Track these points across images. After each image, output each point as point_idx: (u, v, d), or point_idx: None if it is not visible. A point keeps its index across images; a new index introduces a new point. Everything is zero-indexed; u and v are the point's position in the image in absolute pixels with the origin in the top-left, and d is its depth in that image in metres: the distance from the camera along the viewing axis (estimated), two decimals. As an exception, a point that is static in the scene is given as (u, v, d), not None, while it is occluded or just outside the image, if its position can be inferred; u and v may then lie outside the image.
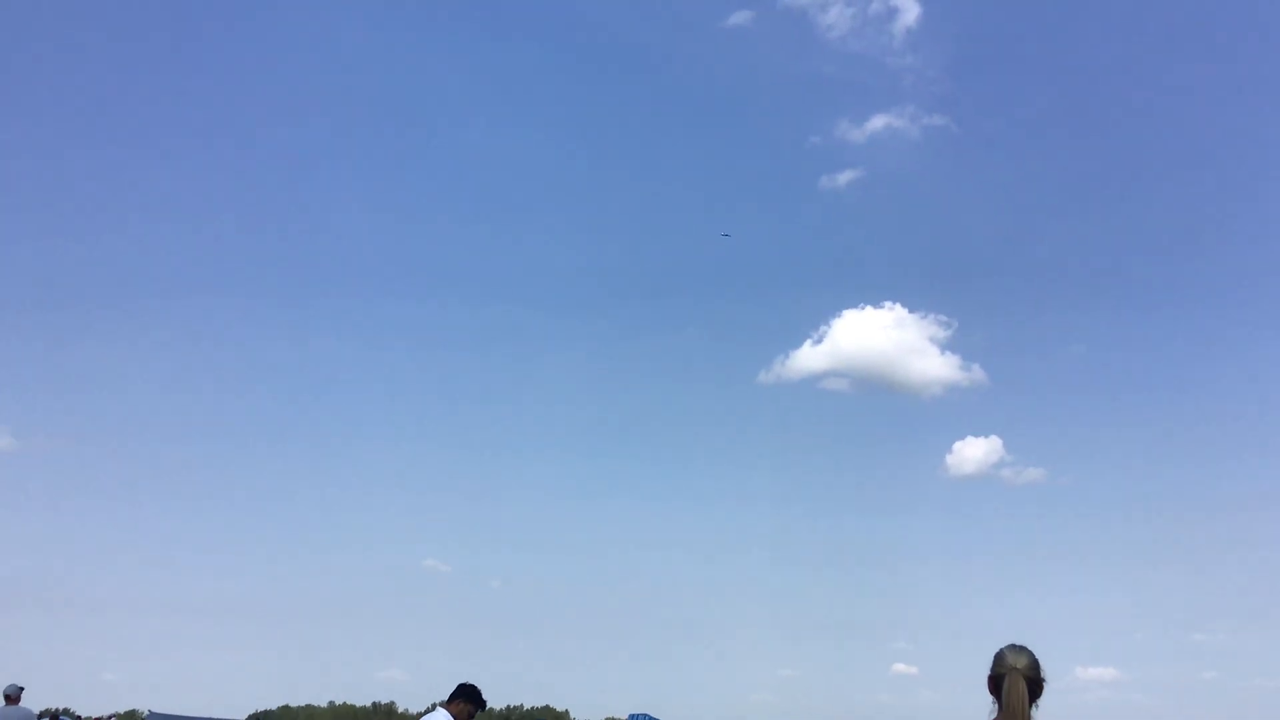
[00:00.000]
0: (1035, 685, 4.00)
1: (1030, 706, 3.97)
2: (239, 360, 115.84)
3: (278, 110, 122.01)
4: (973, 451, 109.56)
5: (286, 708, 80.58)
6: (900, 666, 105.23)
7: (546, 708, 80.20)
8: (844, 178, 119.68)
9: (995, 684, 4.04)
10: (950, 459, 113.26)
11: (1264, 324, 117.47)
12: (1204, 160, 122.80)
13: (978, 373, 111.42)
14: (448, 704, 8.29)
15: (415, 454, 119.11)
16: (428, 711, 8.47)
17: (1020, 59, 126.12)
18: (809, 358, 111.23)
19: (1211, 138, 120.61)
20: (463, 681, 8.44)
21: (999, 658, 4.07)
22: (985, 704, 4.09)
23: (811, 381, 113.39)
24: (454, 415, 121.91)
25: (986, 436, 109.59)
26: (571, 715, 67.60)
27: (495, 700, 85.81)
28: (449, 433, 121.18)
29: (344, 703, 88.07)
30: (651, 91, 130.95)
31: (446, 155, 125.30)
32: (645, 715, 40.04)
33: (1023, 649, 4.09)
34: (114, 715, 54.12)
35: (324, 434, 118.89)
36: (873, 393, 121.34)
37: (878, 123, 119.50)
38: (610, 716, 47.35)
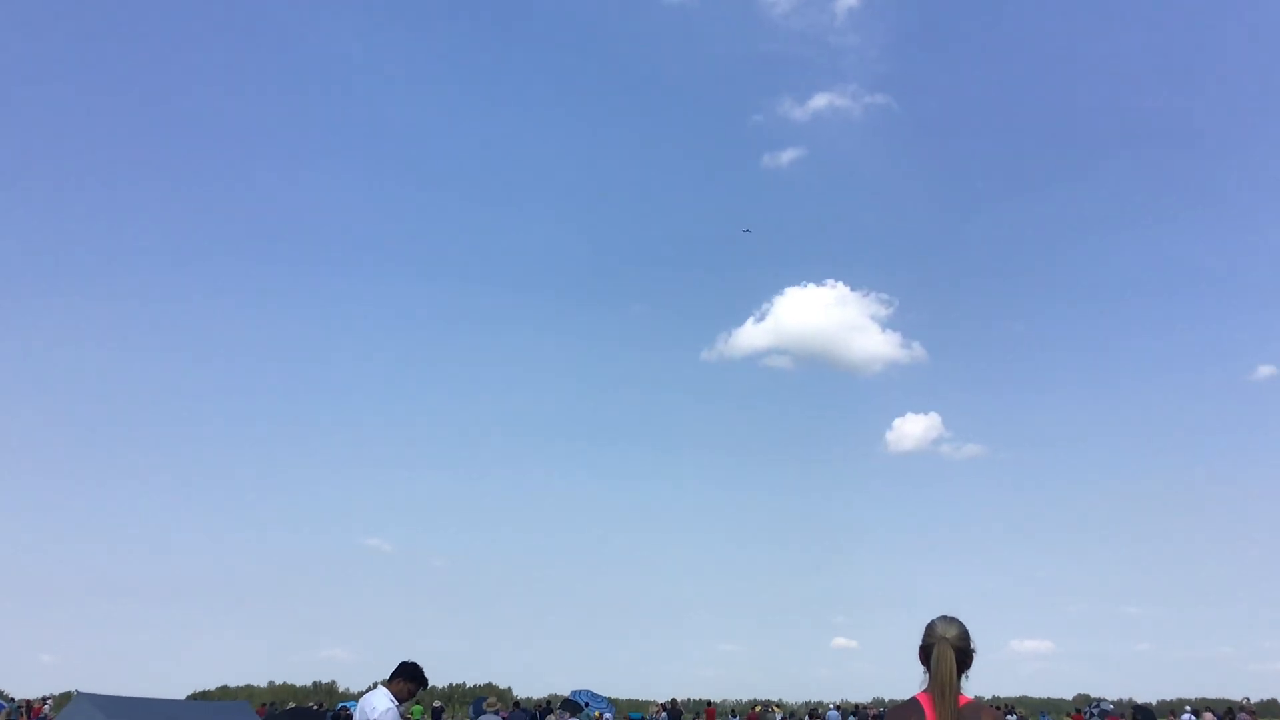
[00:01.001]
0: (964, 655, 4.09)
1: (959, 676, 4.06)
2: (173, 334, 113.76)
3: (235, 81, 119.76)
4: (912, 428, 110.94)
5: (225, 688, 79.76)
6: (840, 640, 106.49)
7: (489, 685, 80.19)
8: (786, 156, 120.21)
9: (925, 654, 4.13)
10: (890, 435, 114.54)
11: (1199, 303, 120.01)
12: (1143, 142, 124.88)
13: (918, 350, 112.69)
14: (389, 682, 8.33)
15: (357, 430, 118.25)
16: (369, 690, 8.48)
17: (962, 39, 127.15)
18: (752, 335, 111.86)
19: (1151, 119, 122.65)
20: (404, 660, 8.46)
21: (930, 628, 4.16)
22: (921, 675, 4.18)
23: (754, 359, 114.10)
24: (396, 392, 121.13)
25: (926, 413, 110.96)
26: (514, 693, 67.60)
27: (437, 678, 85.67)
28: (391, 409, 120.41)
29: (284, 682, 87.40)
30: (595, 69, 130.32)
31: (391, 131, 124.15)
32: (587, 691, 40.22)
33: (953, 620, 4.18)
34: (49, 697, 53.35)
35: (262, 410, 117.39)
36: (814, 370, 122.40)
37: (820, 101, 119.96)
38: (553, 693, 47.44)
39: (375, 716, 8.08)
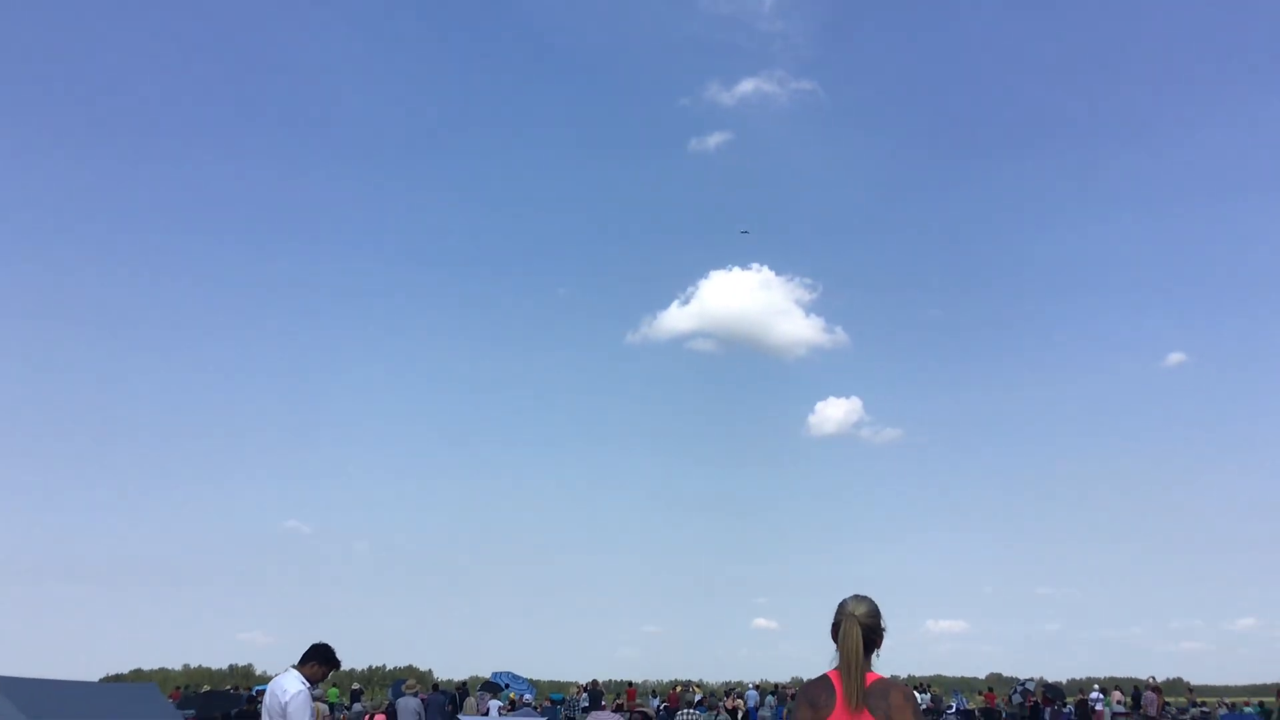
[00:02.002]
0: (873, 632, 4.12)
1: (868, 654, 4.09)
2: (84, 311, 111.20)
3: (149, 54, 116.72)
4: (834, 411, 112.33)
5: (139, 671, 78.33)
6: (761, 621, 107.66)
7: (409, 668, 79.72)
8: (713, 140, 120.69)
9: (836, 631, 4.15)
10: (813, 419, 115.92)
11: (1113, 292, 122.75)
12: (1063, 133, 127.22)
13: (840, 335, 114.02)
14: (300, 665, 8.20)
15: (276, 411, 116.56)
16: (281, 674, 8.35)
17: (888, 28, 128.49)
18: (676, 318, 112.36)
19: (1071, 111, 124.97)
20: (318, 642, 8.34)
21: (840, 606, 4.19)
22: (832, 653, 4.20)
23: (678, 342, 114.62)
24: (316, 371, 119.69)
25: (847, 397, 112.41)
26: (434, 675, 67.26)
27: (358, 661, 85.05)
28: (312, 389, 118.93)
29: (200, 665, 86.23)
30: (523, 49, 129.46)
31: (311, 105, 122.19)
32: (508, 673, 40.13)
33: (864, 598, 4.22)
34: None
35: (177, 389, 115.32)
36: (738, 353, 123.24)
37: (747, 86, 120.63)
38: (474, 675, 47.33)
39: (286, 699, 7.94)
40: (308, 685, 8.12)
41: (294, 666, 8.25)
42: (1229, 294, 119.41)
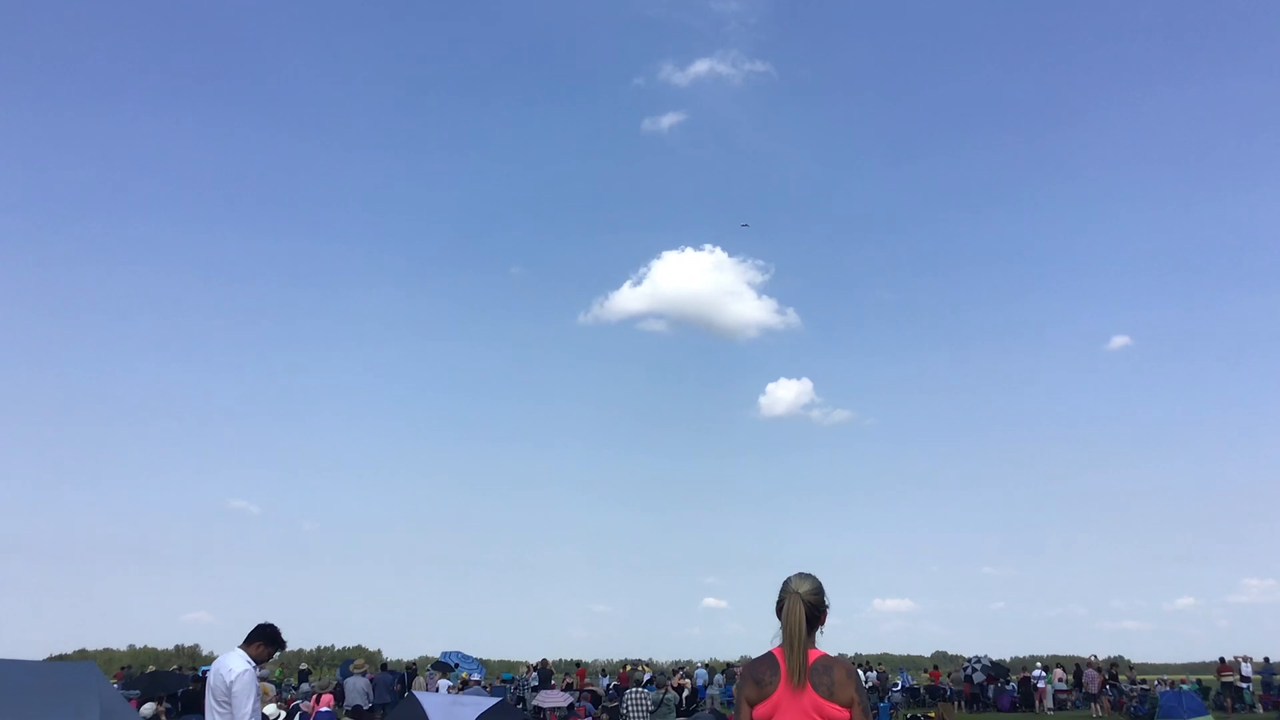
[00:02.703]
0: (816, 609, 4.14)
1: (811, 631, 4.11)
2: (27, 289, 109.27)
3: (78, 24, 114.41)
4: (785, 392, 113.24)
5: (83, 651, 77.43)
6: (710, 601, 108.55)
7: (358, 648, 79.42)
8: (667, 120, 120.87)
9: (780, 608, 4.16)
10: (764, 400, 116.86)
11: (1059, 276, 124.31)
12: (1012, 117, 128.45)
13: (792, 317, 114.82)
14: (245, 645, 8.15)
15: (223, 390, 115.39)
16: (226, 654, 8.28)
17: (841, 10, 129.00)
18: (628, 299, 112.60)
19: (1025, 95, 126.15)
20: (263, 622, 8.29)
21: (785, 584, 4.22)
22: (776, 630, 4.22)
23: (630, 322, 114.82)
24: (266, 349, 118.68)
25: (798, 379, 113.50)
26: (384, 655, 67.08)
27: (306, 641, 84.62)
28: (261, 367, 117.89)
29: (145, 645, 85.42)
30: (477, 27, 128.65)
31: (258, 75, 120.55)
32: (458, 653, 40.00)
33: (808, 576, 4.24)
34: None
35: (122, 367, 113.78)
36: (690, 334, 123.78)
37: (701, 67, 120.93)
38: (424, 655, 47.26)
39: (230, 679, 7.89)
40: (253, 665, 8.07)
41: (239, 646, 8.19)
42: (1173, 279, 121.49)
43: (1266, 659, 39.60)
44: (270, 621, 8.34)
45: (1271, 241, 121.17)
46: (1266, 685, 38.65)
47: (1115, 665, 43.34)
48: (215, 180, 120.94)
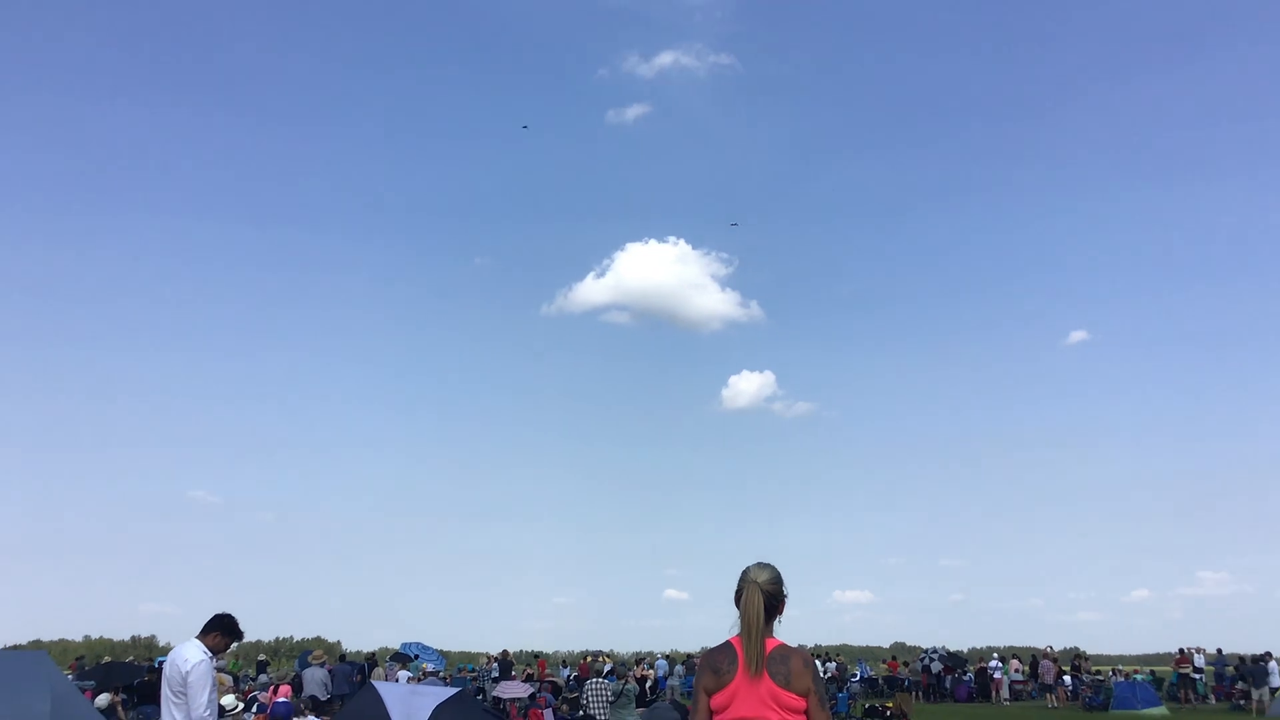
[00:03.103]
0: (774, 599, 4.16)
1: (770, 620, 4.13)
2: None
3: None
4: (747, 385, 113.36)
5: (38, 642, 76.52)
6: (672, 592, 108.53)
7: (317, 639, 79.01)
8: (631, 112, 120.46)
9: (739, 598, 4.18)
10: (726, 392, 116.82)
11: (1019, 270, 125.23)
12: (973, 111, 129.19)
13: (755, 309, 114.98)
14: (202, 635, 8.09)
15: (183, 378, 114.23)
16: (182, 644, 8.22)
17: (806, 4, 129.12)
18: (592, 290, 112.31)
19: (987, 89, 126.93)
20: (220, 612, 8.23)
21: (744, 573, 4.23)
22: (734, 619, 4.23)
23: (594, 314, 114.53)
24: (226, 336, 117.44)
25: (761, 371, 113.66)
26: (343, 646, 66.81)
27: (265, 632, 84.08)
28: (220, 355, 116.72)
29: (101, 637, 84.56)
30: (439, 16, 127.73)
31: (211, 59, 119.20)
32: (418, 644, 39.87)
33: (766, 565, 4.26)
34: None
35: (80, 355, 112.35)
36: (654, 326, 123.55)
37: (666, 59, 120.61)
38: (384, 646, 47.10)
39: (186, 669, 7.82)
40: (209, 656, 8.01)
41: (196, 637, 8.13)
42: (1133, 275, 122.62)
43: (1219, 651, 40.21)
44: (227, 612, 8.28)
45: (1229, 237, 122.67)
46: (1219, 677, 39.25)
47: (1079, 657, 43.86)
48: (170, 166, 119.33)
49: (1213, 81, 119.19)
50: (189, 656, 7.89)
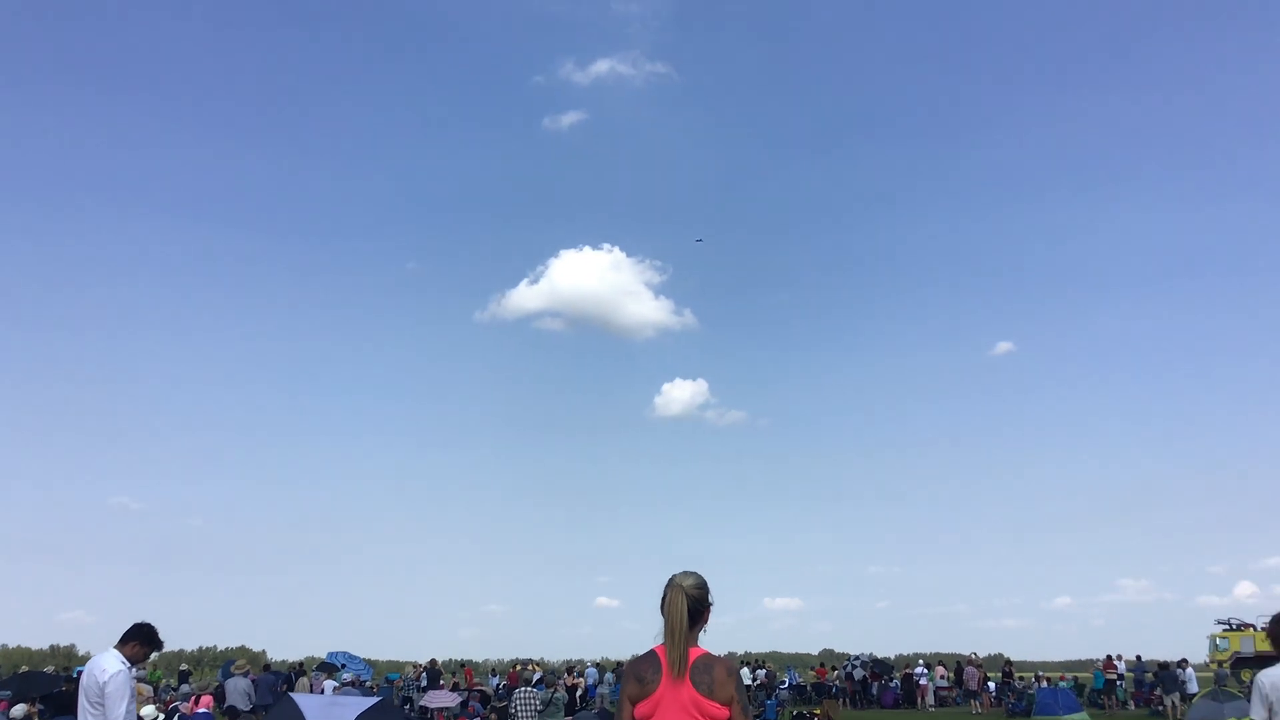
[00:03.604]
0: (699, 604, 4.16)
1: (693, 626, 4.13)
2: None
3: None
4: (680, 393, 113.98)
5: (-46, 652, 74.78)
6: (603, 600, 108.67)
7: (241, 648, 77.87)
8: (567, 119, 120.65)
9: (664, 603, 4.19)
10: (659, 400, 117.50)
11: (946, 281, 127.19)
12: (908, 126, 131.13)
13: (689, 317, 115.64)
14: (120, 645, 7.95)
15: (105, 381, 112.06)
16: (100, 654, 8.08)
17: (739, 16, 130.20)
18: (525, 297, 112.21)
19: (916, 105, 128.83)
20: (139, 621, 8.09)
21: (670, 580, 4.23)
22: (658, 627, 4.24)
23: (527, 321, 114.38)
24: (149, 340, 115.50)
25: (694, 379, 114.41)
26: (269, 655, 65.83)
27: (188, 642, 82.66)
28: (145, 359, 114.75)
29: (18, 645, 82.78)
30: (376, 18, 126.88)
31: (142, 59, 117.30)
32: (344, 653, 39.45)
33: (692, 572, 4.28)
34: None
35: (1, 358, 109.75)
36: (587, 333, 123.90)
37: (602, 66, 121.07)
38: (310, 656, 46.51)
39: (104, 680, 7.69)
40: (128, 666, 7.87)
41: (114, 646, 7.99)
42: (1056, 286, 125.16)
43: (1139, 657, 41.05)
44: (146, 621, 8.15)
45: (1150, 250, 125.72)
46: (1138, 683, 40.06)
47: (1010, 663, 44.55)
48: (97, 173, 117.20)
49: (1142, 98, 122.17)
50: (106, 667, 7.75)
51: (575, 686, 38.55)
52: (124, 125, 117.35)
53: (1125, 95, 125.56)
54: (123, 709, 7.67)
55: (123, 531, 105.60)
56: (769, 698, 38.47)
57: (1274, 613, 6.46)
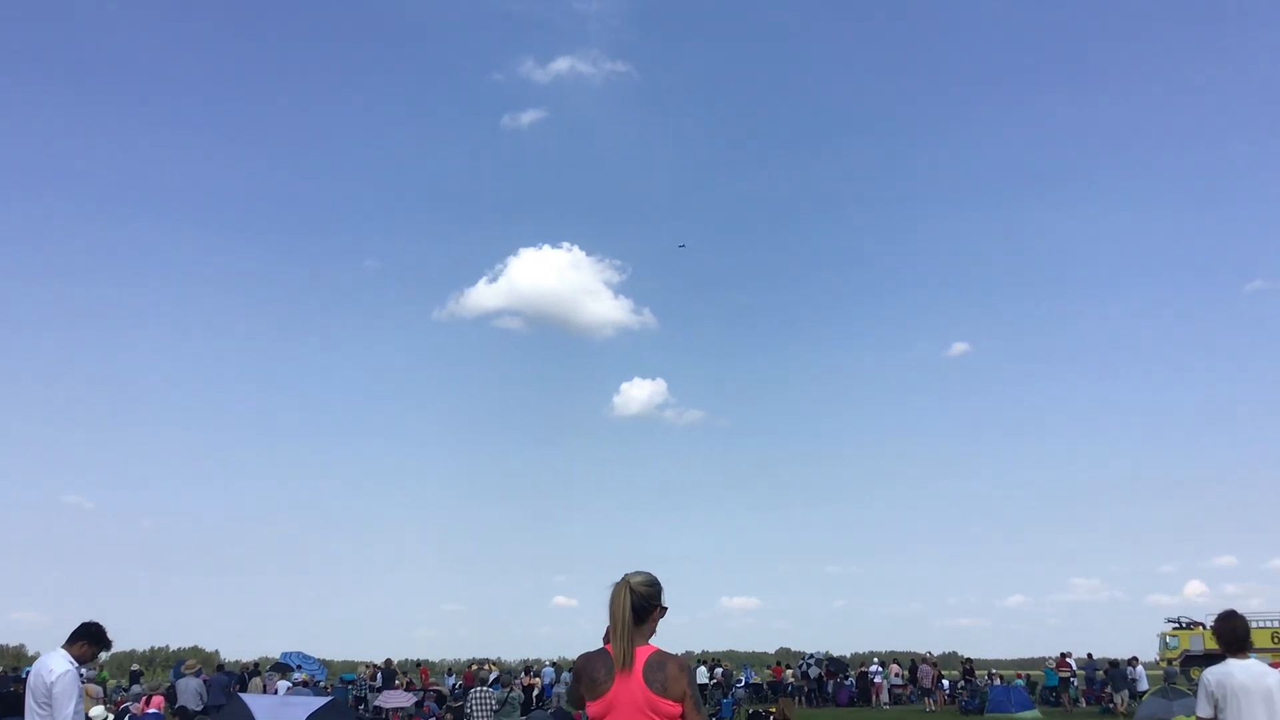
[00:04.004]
0: (646, 601, 4.14)
1: (640, 623, 4.10)
2: None
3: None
4: (639, 392, 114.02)
5: (-104, 653, 73.40)
6: (561, 599, 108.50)
7: (194, 649, 77.06)
8: (527, 117, 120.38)
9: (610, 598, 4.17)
10: (618, 399, 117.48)
11: (905, 284, 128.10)
12: (868, 128, 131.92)
13: (648, 317, 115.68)
14: (68, 644, 7.86)
15: (58, 377, 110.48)
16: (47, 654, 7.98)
17: (700, 16, 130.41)
18: (484, 295, 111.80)
19: (878, 107, 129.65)
20: (87, 620, 8.00)
21: (622, 577, 4.21)
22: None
23: (486, 319, 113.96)
24: (103, 337, 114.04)
25: (653, 379, 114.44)
26: (221, 655, 65.16)
27: (140, 642, 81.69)
28: (100, 356, 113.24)
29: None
30: (335, 15, 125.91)
31: (101, 56, 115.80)
32: (299, 653, 39.14)
33: (644, 572, 4.26)
34: None
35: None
36: (546, 332, 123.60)
37: (562, 65, 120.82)
38: (264, 656, 46.11)
39: (51, 680, 7.59)
40: (75, 665, 7.78)
41: (62, 646, 7.89)
42: (1012, 288, 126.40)
43: (1090, 655, 41.50)
44: (95, 620, 8.05)
45: (1104, 253, 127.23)
46: (1089, 680, 40.52)
47: (969, 661, 44.87)
48: (57, 170, 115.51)
49: (1098, 101, 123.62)
50: (54, 666, 7.66)
51: (532, 686, 38.51)
52: (89, 126, 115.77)
53: (1082, 98, 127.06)
54: (70, 709, 7.57)
55: (75, 530, 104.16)
56: (725, 696, 38.58)
57: (1220, 611, 6.56)
